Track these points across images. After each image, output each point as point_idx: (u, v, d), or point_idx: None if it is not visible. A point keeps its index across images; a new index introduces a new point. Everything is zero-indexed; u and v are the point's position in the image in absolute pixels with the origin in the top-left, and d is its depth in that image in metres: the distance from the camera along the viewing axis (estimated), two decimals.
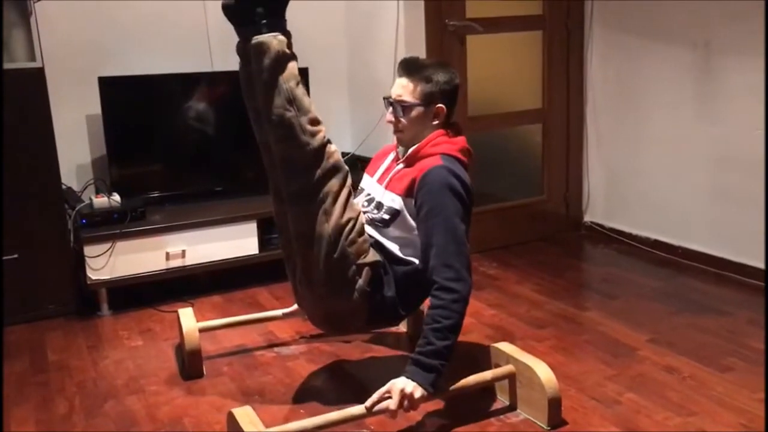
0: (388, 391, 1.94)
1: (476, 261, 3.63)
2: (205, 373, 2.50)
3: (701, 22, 3.23)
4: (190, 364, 2.48)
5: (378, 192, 2.28)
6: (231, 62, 3.59)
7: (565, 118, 3.92)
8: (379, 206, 2.23)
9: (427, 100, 2.20)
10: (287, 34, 2.07)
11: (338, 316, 2.21)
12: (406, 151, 2.25)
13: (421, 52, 3.44)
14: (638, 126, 3.67)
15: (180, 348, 2.64)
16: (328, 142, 2.08)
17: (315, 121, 2.05)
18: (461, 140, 2.27)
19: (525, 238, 3.89)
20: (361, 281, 2.10)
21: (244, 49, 2.10)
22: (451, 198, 2.08)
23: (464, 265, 2.06)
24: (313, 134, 2.03)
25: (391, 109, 2.23)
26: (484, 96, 3.73)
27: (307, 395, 2.33)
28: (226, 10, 2.07)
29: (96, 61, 3.35)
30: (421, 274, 2.11)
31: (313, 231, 2.05)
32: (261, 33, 2.02)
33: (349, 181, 2.12)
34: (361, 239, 2.11)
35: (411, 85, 2.19)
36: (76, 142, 3.39)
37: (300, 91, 2.04)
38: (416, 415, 2.11)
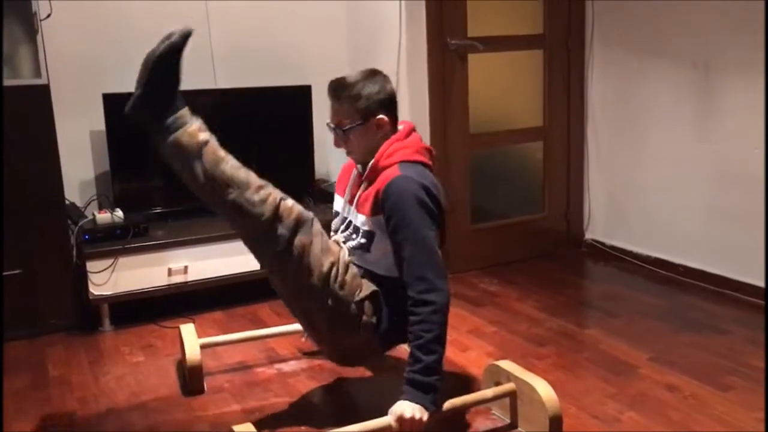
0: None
1: (477, 278, 3.64)
2: (206, 389, 2.50)
3: (701, 41, 3.26)
4: (192, 381, 2.48)
5: (351, 213, 2.25)
6: (234, 79, 3.66)
7: (566, 135, 3.95)
8: (356, 230, 2.21)
9: (364, 116, 2.14)
10: (189, 114, 2.06)
11: (354, 352, 2.24)
12: (364, 168, 2.20)
13: (422, 70, 3.47)
14: (639, 144, 3.69)
15: (181, 364, 2.64)
16: (282, 199, 2.05)
17: (259, 188, 2.03)
18: (416, 141, 2.19)
19: (526, 255, 3.90)
20: (364, 317, 2.11)
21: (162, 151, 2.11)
22: (415, 207, 2.02)
23: (437, 274, 2.02)
24: (263, 201, 2.01)
25: (334, 134, 2.21)
26: (485, 114, 3.76)
27: (307, 412, 2.33)
28: (131, 118, 2.08)
29: (100, 78, 3.38)
30: None
31: (302, 288, 2.07)
32: (169, 131, 2.04)
33: (317, 226, 2.10)
34: (349, 277, 2.10)
35: (343, 108, 2.15)
36: (79, 157, 3.41)
37: (229, 167, 2.02)
38: None
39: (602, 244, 3.98)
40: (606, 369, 2.55)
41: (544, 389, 2.05)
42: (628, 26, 3.64)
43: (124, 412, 2.38)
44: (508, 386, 2.14)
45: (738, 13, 3.08)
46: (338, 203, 2.36)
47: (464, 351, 2.76)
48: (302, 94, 3.60)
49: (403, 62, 3.46)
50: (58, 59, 3.21)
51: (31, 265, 2.98)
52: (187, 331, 2.59)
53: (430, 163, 2.19)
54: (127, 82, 3.38)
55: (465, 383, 2.47)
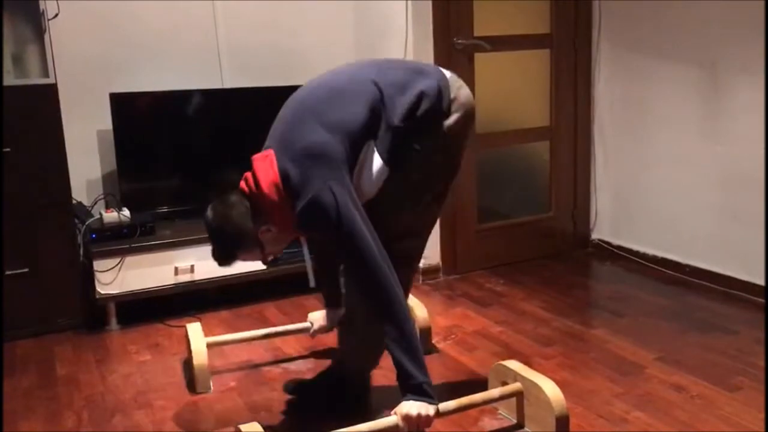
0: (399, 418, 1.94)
1: (483, 277, 3.64)
2: (212, 388, 2.51)
3: (708, 41, 3.25)
4: (198, 379, 2.49)
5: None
6: (242, 79, 3.67)
7: (573, 135, 3.94)
8: None
9: (247, 239, 2.05)
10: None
11: None
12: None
13: None
14: (645, 144, 3.68)
15: (188, 363, 2.65)
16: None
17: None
18: (263, 184, 2.01)
19: (532, 255, 3.89)
20: None
21: None
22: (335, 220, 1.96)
23: (378, 273, 1.95)
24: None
25: (270, 257, 2.17)
26: (492, 113, 3.75)
27: (314, 411, 2.33)
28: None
29: (108, 78, 3.39)
30: None
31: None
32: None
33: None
34: None
35: (233, 258, 2.11)
36: (86, 157, 3.41)
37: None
38: None
39: (609, 244, 3.97)
40: (613, 369, 2.55)
41: (550, 389, 2.05)
42: (634, 26, 3.63)
43: (130, 410, 2.38)
44: (515, 386, 2.14)
45: (744, 12, 3.06)
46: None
47: (471, 351, 2.76)
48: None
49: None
50: (66, 59, 3.22)
51: (38, 264, 2.99)
52: (194, 329, 2.60)
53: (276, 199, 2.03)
54: (134, 82, 3.43)
55: (472, 383, 2.47)
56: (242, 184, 2.06)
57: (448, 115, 2.11)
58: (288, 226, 2.05)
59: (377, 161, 2.06)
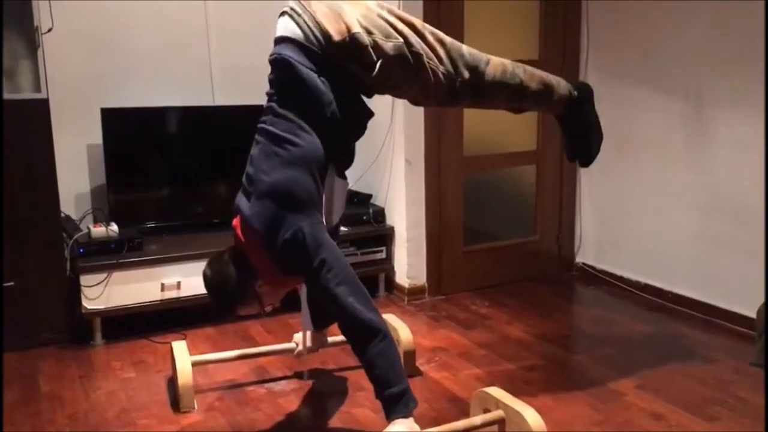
0: None
1: (468, 299, 3.67)
2: (196, 407, 2.51)
3: (693, 73, 3.31)
4: (182, 398, 2.49)
5: None
6: (232, 97, 3.69)
7: (559, 160, 3.99)
8: None
9: (246, 295, 2.15)
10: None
11: None
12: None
13: None
14: (630, 171, 3.73)
15: (172, 381, 2.65)
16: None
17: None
18: (250, 241, 2.11)
19: (517, 277, 3.93)
20: None
21: None
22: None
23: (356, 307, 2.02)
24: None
25: (269, 308, 2.27)
26: (479, 136, 3.79)
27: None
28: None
29: (99, 92, 3.41)
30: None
31: None
32: None
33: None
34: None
35: (233, 312, 2.20)
36: (76, 171, 3.43)
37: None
38: None
39: (593, 268, 4.01)
40: (593, 396, 2.58)
41: (532, 418, 2.07)
42: (621, 55, 3.69)
43: (114, 429, 2.39)
44: (497, 413, 2.16)
45: (729, 46, 3.13)
46: None
47: (454, 374, 2.78)
48: None
49: None
50: (58, 73, 3.24)
51: (24, 277, 2.99)
52: (179, 348, 2.60)
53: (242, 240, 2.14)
54: (126, 97, 3.44)
55: (454, 408, 2.49)
56: (235, 241, 2.16)
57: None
58: (274, 278, 2.13)
59: (337, 180, 2.18)
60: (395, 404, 2.01)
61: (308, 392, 2.64)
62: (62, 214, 3.18)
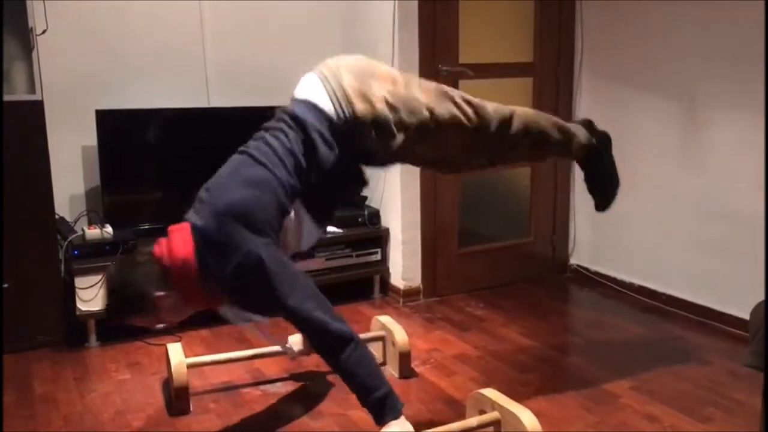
0: None
1: (463, 301, 3.68)
2: (191, 409, 2.51)
3: (687, 76, 3.32)
4: (177, 400, 2.49)
5: None
6: (227, 98, 3.69)
7: (553, 162, 3.99)
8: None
9: (144, 304, 2.01)
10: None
11: None
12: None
13: None
14: (624, 173, 3.70)
15: (167, 383, 2.65)
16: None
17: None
18: (175, 256, 1.99)
19: (512, 279, 3.94)
20: None
21: None
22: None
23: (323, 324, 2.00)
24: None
25: (163, 325, 2.18)
26: None
27: None
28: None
29: (94, 94, 3.40)
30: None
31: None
32: None
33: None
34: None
35: (126, 318, 2.08)
36: (70, 172, 3.42)
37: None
38: None
39: (587, 269, 4.02)
40: (588, 398, 2.59)
41: (528, 419, 2.08)
42: (616, 57, 3.70)
43: (109, 430, 2.38)
44: (493, 415, 2.17)
45: (724, 48, 3.14)
46: None
47: (449, 376, 2.79)
48: None
49: None
50: (53, 74, 3.23)
51: (19, 279, 2.98)
52: (174, 350, 2.60)
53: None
54: (121, 99, 3.43)
55: (449, 409, 2.50)
56: (156, 249, 2.03)
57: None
58: (192, 300, 2.04)
59: (308, 222, 2.15)
60: (383, 408, 2.00)
61: (304, 394, 2.64)
62: (57, 216, 3.18)
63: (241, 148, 2.16)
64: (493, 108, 2.32)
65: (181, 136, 3.50)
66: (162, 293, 2.00)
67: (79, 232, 3.19)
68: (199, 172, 3.55)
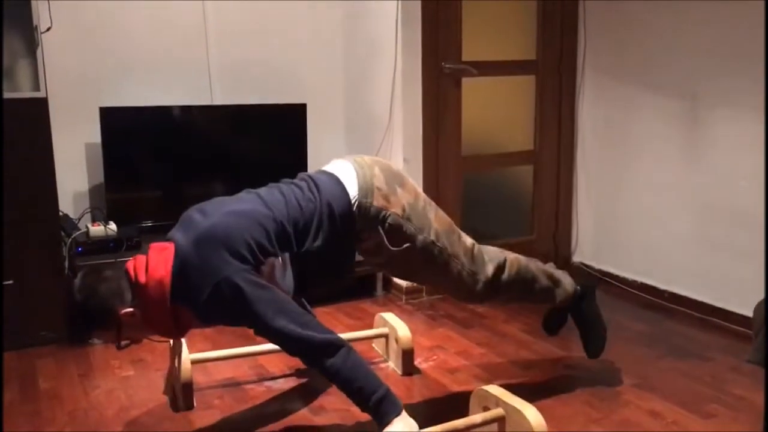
0: None
1: None
2: (195, 405, 2.52)
3: (690, 74, 3.33)
4: (182, 396, 2.50)
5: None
6: (231, 96, 3.70)
7: (556, 160, 4.01)
8: None
9: (107, 318, 1.98)
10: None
11: None
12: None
13: (417, 93, 3.52)
14: (627, 171, 3.75)
15: (171, 379, 2.65)
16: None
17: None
18: (151, 276, 1.95)
19: None
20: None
21: None
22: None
23: (307, 344, 1.99)
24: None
25: (125, 343, 2.11)
26: (477, 137, 3.81)
27: (296, 431, 2.35)
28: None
29: (98, 91, 3.41)
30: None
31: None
32: None
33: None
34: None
35: (88, 330, 2.12)
36: (74, 170, 3.43)
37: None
38: None
39: (589, 267, 4.03)
40: (591, 394, 2.59)
41: (533, 416, 2.08)
42: (618, 55, 3.71)
43: (114, 427, 2.39)
44: (497, 411, 2.17)
45: (726, 47, 3.15)
46: None
47: (453, 373, 2.80)
48: (298, 112, 3.65)
49: (398, 84, 3.51)
50: (57, 72, 3.24)
51: (23, 276, 2.99)
52: (178, 346, 2.60)
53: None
54: (125, 96, 3.44)
55: (453, 406, 2.50)
56: (129, 263, 2.00)
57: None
58: (154, 321, 1.99)
59: (289, 276, 2.14)
60: (385, 407, 2.01)
61: (307, 390, 2.65)
62: (60, 213, 3.18)
63: (251, 190, 2.17)
64: (488, 256, 2.43)
65: (185, 133, 3.51)
66: (127, 310, 1.97)
67: (83, 229, 3.20)
68: (202, 168, 3.60)
